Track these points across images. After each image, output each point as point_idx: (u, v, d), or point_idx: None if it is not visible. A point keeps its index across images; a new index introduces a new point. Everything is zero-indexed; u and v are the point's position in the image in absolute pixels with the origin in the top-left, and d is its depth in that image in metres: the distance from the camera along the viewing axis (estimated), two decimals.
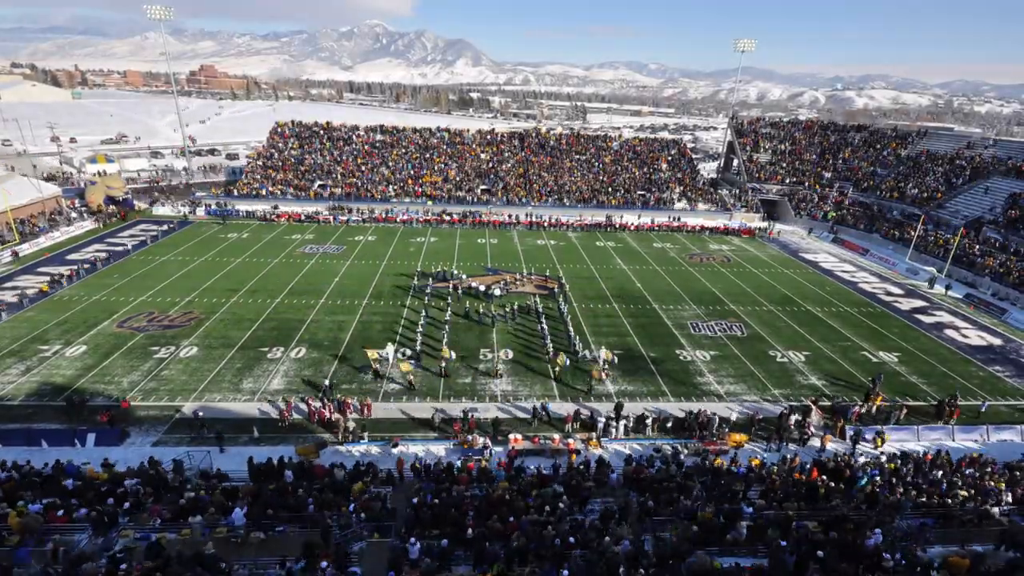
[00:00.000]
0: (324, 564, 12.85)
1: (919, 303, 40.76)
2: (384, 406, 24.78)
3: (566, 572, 12.69)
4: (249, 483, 17.94)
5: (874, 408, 25.20)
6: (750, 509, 16.73)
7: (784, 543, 14.10)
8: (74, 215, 52.51)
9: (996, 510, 17.06)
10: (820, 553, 13.52)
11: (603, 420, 23.33)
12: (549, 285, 40.78)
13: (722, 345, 32.22)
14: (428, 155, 71.20)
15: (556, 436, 22.71)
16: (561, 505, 16.41)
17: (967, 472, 20.25)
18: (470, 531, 14.62)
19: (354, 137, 73.17)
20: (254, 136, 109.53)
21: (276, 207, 59.12)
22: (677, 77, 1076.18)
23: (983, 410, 25.73)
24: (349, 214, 59.22)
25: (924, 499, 17.96)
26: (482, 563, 13.28)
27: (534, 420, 23.75)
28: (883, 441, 23.17)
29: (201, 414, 22.60)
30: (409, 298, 37.24)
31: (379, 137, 73.80)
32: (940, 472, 20.14)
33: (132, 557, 12.82)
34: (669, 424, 23.88)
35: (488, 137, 76.53)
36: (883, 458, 21.85)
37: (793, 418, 24.03)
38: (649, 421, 23.61)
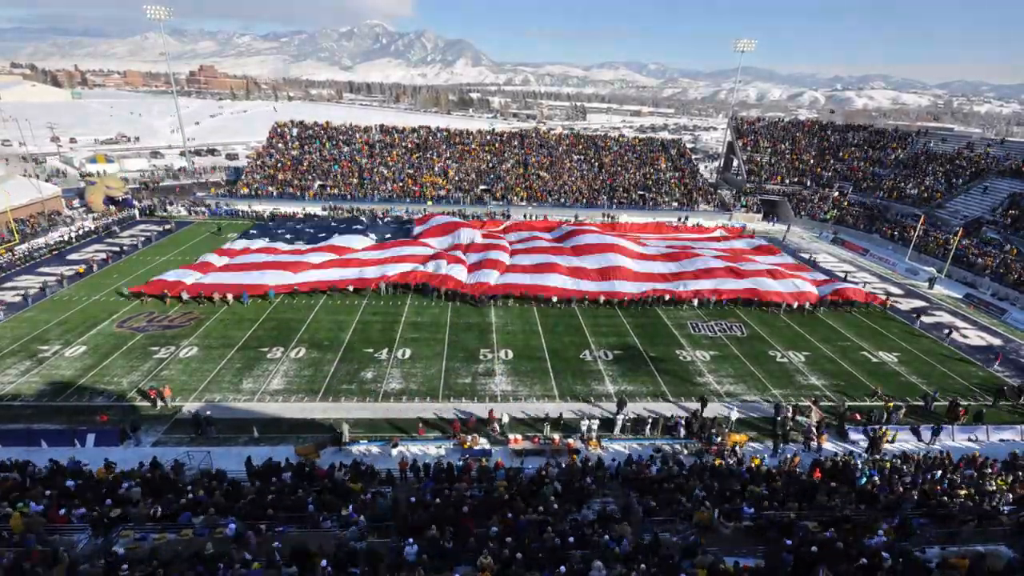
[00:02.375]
0: (324, 563, 12.84)
1: (919, 303, 40.76)
2: (385, 406, 24.79)
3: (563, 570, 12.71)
4: (249, 484, 17.94)
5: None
6: (750, 509, 16.75)
7: (789, 542, 14.12)
8: (71, 214, 52.50)
9: (1004, 512, 17.05)
10: (815, 549, 13.55)
11: (587, 423, 23.09)
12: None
13: (722, 345, 32.22)
14: (428, 155, 71.22)
15: (556, 436, 22.73)
16: (556, 505, 16.42)
17: (966, 472, 20.27)
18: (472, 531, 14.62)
19: (354, 137, 73.19)
20: (254, 136, 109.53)
21: (276, 208, 59.12)
22: (677, 77, 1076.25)
23: (983, 411, 25.73)
24: (354, 213, 59.14)
25: (922, 496, 17.97)
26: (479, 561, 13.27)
27: (543, 424, 23.48)
28: (885, 439, 23.20)
29: (209, 413, 22.69)
30: (410, 297, 37.23)
31: (379, 137, 73.81)
32: (940, 472, 20.15)
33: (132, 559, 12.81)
34: (672, 423, 23.82)
35: (488, 137, 76.56)
36: (886, 456, 21.90)
37: (799, 418, 24.16)
38: (650, 422, 23.61)
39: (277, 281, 36.76)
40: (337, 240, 45.75)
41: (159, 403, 23.72)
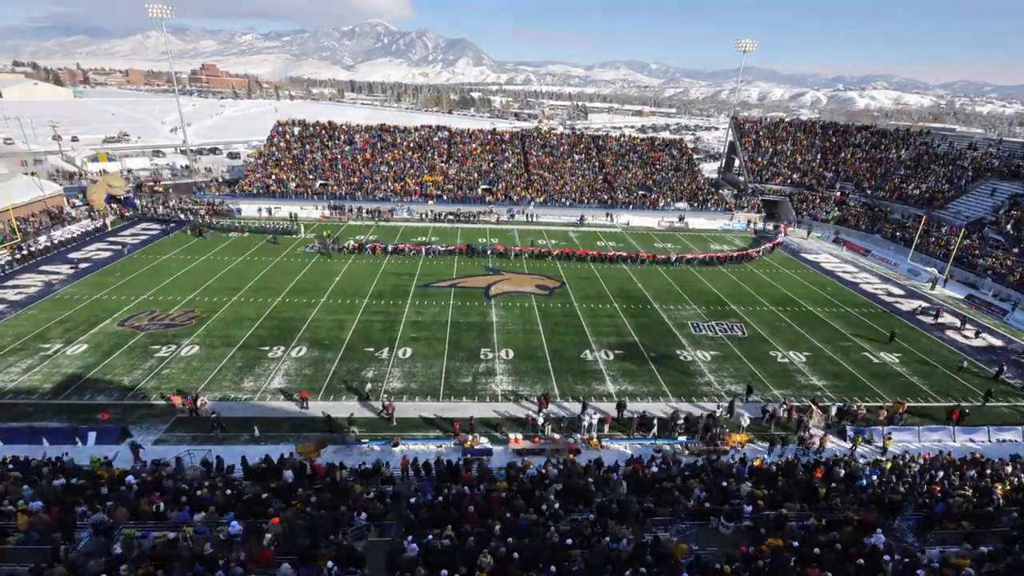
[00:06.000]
0: (330, 565, 12.84)
1: (920, 304, 40.69)
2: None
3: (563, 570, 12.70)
4: (250, 484, 17.94)
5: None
6: (750, 509, 16.73)
7: (795, 543, 14.09)
8: (74, 212, 52.56)
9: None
10: (816, 550, 13.52)
11: (587, 420, 23.22)
12: (550, 284, 40.83)
13: (723, 345, 32.20)
14: (429, 154, 71.22)
15: (556, 436, 22.74)
16: (556, 505, 16.41)
17: (967, 473, 20.23)
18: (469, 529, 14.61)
19: (355, 136, 73.20)
20: (255, 135, 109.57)
21: (278, 207, 59.15)
22: (678, 77, 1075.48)
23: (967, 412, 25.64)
24: (351, 213, 59.24)
25: (926, 499, 17.94)
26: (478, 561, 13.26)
27: (544, 426, 23.41)
28: (881, 440, 23.18)
29: (216, 413, 22.70)
30: (411, 297, 37.24)
31: (380, 136, 73.81)
32: (941, 472, 20.12)
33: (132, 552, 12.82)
34: (672, 423, 23.78)
35: (489, 136, 76.54)
36: (884, 457, 21.87)
37: (803, 417, 24.17)
38: (653, 423, 23.57)
39: None
40: None
41: (187, 411, 23.17)
